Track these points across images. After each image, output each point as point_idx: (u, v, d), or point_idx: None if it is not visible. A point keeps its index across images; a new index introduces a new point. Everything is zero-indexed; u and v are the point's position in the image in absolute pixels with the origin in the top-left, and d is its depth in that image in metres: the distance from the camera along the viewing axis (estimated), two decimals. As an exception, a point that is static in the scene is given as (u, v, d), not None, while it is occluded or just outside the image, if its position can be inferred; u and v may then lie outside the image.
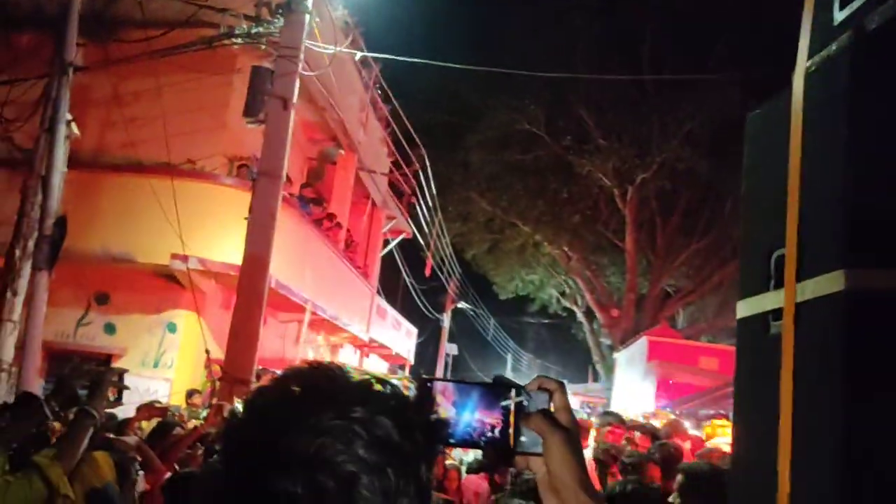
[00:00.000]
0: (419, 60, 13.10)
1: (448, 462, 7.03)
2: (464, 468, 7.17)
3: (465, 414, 0.98)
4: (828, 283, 1.73)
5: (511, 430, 0.97)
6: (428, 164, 18.22)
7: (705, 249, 23.47)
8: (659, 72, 20.53)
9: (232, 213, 9.17)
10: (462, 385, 1.00)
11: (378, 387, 0.82)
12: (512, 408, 0.97)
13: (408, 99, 21.03)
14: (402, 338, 19.86)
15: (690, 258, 23.90)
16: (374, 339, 16.21)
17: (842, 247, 1.70)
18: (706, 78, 18.85)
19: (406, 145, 17.62)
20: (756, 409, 2.01)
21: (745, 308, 2.12)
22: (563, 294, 28.34)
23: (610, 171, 22.41)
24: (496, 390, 0.99)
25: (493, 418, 0.98)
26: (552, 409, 0.99)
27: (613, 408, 17.56)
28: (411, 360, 21.17)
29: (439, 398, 0.98)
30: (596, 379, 28.07)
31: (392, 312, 18.71)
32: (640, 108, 21.87)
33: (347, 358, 16.38)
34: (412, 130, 17.69)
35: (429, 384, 0.98)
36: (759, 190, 2.18)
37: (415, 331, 21.67)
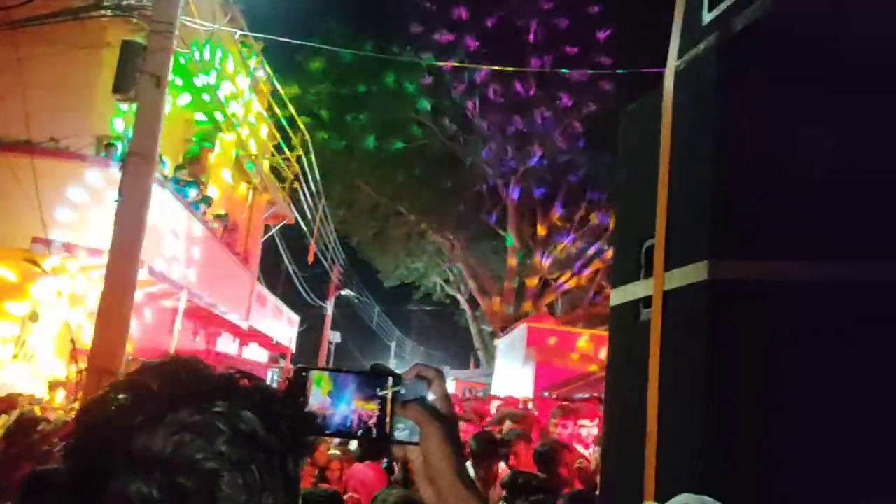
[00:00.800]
0: (302, 42, 12.84)
1: (331, 451, 6.95)
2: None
3: (341, 404, 0.96)
4: (692, 273, 1.82)
5: (387, 420, 0.96)
6: (311, 148, 17.87)
7: (582, 240, 24.34)
8: (542, 65, 21.05)
9: (100, 196, 8.65)
10: (339, 374, 0.98)
11: (243, 381, 0.78)
12: (388, 397, 0.96)
13: (291, 81, 20.58)
14: (283, 326, 19.46)
15: (569, 247, 24.72)
16: (254, 328, 15.79)
17: (706, 238, 1.79)
18: (587, 72, 19.48)
19: (288, 128, 17.22)
20: (626, 392, 2.09)
21: (618, 296, 2.20)
22: (446, 282, 28.67)
23: (494, 162, 22.81)
24: (373, 379, 0.98)
25: (369, 408, 0.96)
26: (430, 398, 0.98)
27: (494, 393, 17.92)
28: (293, 348, 20.79)
29: (315, 388, 0.95)
30: (478, 365, 28.61)
31: (273, 300, 18.29)
32: (523, 99, 22.36)
33: (226, 347, 15.88)
34: (295, 114, 17.29)
35: (304, 374, 0.96)
36: (632, 182, 2.27)
37: (297, 319, 21.28)
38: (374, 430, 0.96)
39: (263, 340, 18.68)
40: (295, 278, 21.87)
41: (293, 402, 0.84)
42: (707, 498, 1.64)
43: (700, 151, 1.88)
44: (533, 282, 25.24)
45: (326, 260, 24.42)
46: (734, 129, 1.84)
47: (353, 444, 7.43)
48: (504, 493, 3.77)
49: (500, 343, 22.03)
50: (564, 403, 11.08)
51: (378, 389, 0.97)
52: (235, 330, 15.49)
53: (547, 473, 4.45)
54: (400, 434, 0.97)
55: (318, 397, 0.95)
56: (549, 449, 4.86)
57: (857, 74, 1.81)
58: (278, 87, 16.35)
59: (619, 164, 2.34)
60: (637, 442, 1.92)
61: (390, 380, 0.97)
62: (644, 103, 2.24)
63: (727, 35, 1.87)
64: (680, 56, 2.07)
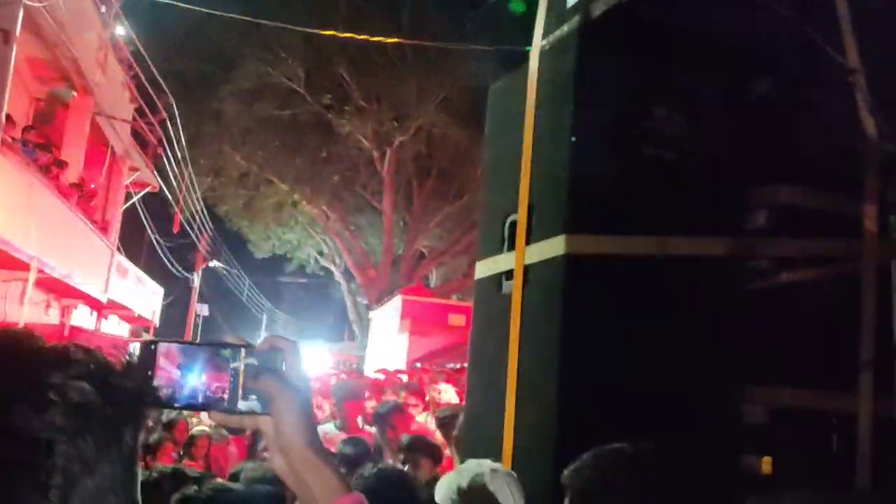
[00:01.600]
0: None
1: (198, 429, 6.75)
2: None
3: (190, 376, 0.95)
4: (551, 247, 1.91)
5: (240, 392, 0.95)
6: (177, 112, 17.06)
7: (457, 213, 24.64)
8: (418, 37, 20.99)
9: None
10: (190, 347, 0.97)
11: (77, 353, 0.77)
12: (241, 368, 0.95)
13: (154, 41, 19.44)
14: (146, 298, 18.61)
15: (444, 221, 24.98)
16: (114, 300, 15.01)
17: (564, 214, 1.89)
18: (462, 47, 19.60)
19: (152, 91, 16.33)
20: (488, 361, 2.18)
21: (482, 269, 2.28)
22: (320, 254, 28.27)
23: (369, 133, 22.60)
24: (225, 351, 0.97)
25: (222, 380, 0.96)
26: (284, 369, 0.97)
27: (369, 364, 17.97)
28: (157, 321, 19.93)
29: (164, 361, 0.94)
30: (352, 338, 28.53)
31: (135, 271, 17.44)
32: (399, 71, 22.22)
33: (83, 320, 15.01)
34: (158, 76, 16.42)
35: (152, 346, 0.95)
36: (497, 159, 2.34)
37: (161, 290, 20.41)
38: (225, 402, 0.95)
39: (125, 313, 17.81)
40: (159, 248, 20.93)
41: (132, 373, 0.82)
42: (490, 461, 1.78)
43: (559, 131, 1.97)
44: (408, 254, 25.35)
45: (193, 230, 23.49)
46: (591, 111, 1.94)
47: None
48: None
49: (375, 315, 22.07)
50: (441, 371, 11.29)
51: (230, 361, 0.96)
52: (94, 302, 14.67)
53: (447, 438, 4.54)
54: (250, 405, 0.95)
55: (167, 370, 0.94)
56: (450, 414, 4.96)
57: (697, 56, 1.94)
58: (140, 46, 15.45)
59: (486, 141, 2.41)
60: (497, 408, 2.00)
61: (243, 351, 0.96)
62: (510, 82, 2.30)
63: (588, 18, 1.96)
64: (545, 37, 2.14)
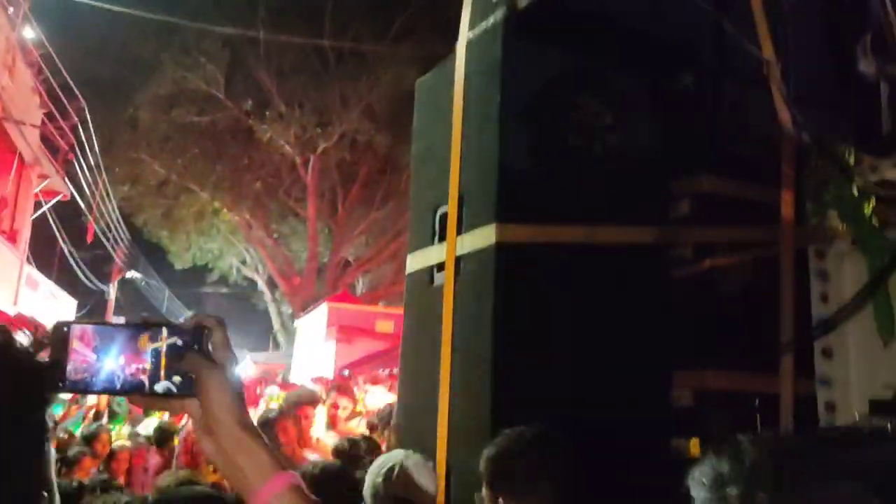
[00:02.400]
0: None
1: (118, 443, 6.49)
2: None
3: (107, 360, 0.89)
4: (482, 237, 1.91)
5: (162, 373, 0.90)
6: (89, 118, 16.42)
7: (383, 220, 24.52)
8: (340, 42, 20.83)
9: None
10: (107, 328, 0.92)
11: None
12: (162, 349, 0.91)
13: (67, 45, 18.68)
14: (58, 311, 17.81)
15: (369, 228, 24.83)
16: (23, 314, 14.30)
17: (494, 203, 1.89)
18: (382, 50, 19.56)
19: (63, 97, 15.69)
20: (420, 355, 2.16)
21: (413, 262, 2.26)
22: (243, 262, 27.65)
23: (292, 139, 22.27)
24: (145, 331, 0.91)
25: (142, 362, 0.90)
26: (211, 347, 0.93)
27: (295, 373, 17.68)
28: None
29: (79, 345, 0.88)
30: (277, 347, 28.00)
31: (46, 283, 16.67)
32: (321, 77, 22.02)
33: (-11, 336, 14.23)
34: (70, 80, 15.79)
35: (65, 328, 0.89)
36: (426, 151, 2.33)
37: (74, 303, 19.57)
38: (146, 386, 0.90)
39: (35, 328, 16.97)
40: (71, 259, 20.06)
41: (28, 357, 0.76)
42: (410, 452, 1.85)
43: (487, 121, 1.97)
44: (334, 262, 25.09)
45: (109, 240, 22.62)
46: (517, 100, 1.95)
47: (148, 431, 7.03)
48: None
49: (301, 323, 21.74)
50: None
51: (151, 342, 0.91)
52: (2, 316, 13.93)
53: None
54: (173, 387, 0.91)
55: (82, 354, 0.89)
56: (379, 418, 4.95)
57: (621, 47, 1.98)
58: (50, 49, 14.83)
59: (414, 134, 2.39)
60: (430, 401, 1.98)
61: (165, 331, 0.91)
62: (437, 74, 2.30)
63: (513, 10, 1.97)
64: (471, 28, 2.14)
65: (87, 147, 16.81)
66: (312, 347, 19.00)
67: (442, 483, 1.92)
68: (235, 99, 21.98)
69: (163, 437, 6.34)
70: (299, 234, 25.98)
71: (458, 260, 2.02)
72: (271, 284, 26.38)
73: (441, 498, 1.91)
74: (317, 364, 17.24)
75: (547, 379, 1.84)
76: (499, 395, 1.81)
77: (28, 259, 15.43)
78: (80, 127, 16.53)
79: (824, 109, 2.22)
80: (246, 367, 19.96)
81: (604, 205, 1.97)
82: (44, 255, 18.74)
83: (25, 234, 16.05)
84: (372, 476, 1.97)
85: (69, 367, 0.88)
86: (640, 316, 1.95)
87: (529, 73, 1.95)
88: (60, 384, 0.88)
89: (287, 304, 25.77)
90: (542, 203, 1.90)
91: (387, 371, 13.25)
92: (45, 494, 0.71)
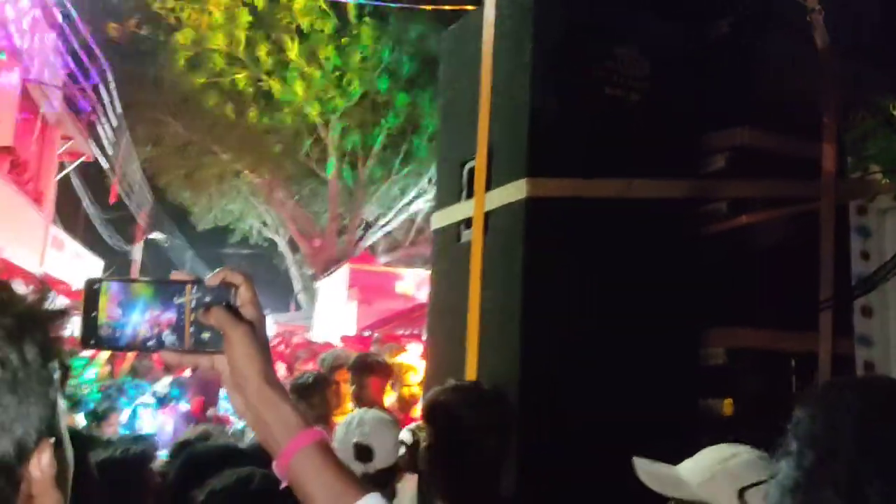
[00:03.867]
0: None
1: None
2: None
3: (133, 315, 0.89)
4: (512, 192, 1.86)
5: (188, 328, 0.89)
6: (111, 79, 16.42)
7: (403, 180, 24.44)
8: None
9: None
10: (135, 285, 0.91)
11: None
12: (188, 304, 0.89)
13: (89, 5, 18.62)
14: (84, 271, 18.04)
15: (389, 189, 24.75)
16: (50, 274, 14.50)
17: (525, 156, 1.83)
18: (405, 8, 19.31)
19: (85, 57, 15.67)
20: (449, 313, 2.13)
21: (440, 219, 2.21)
22: (264, 224, 27.74)
23: (312, 100, 22.15)
24: (173, 287, 0.91)
25: (170, 318, 0.89)
26: (238, 304, 0.92)
27: (317, 334, 17.83)
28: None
29: (107, 302, 0.88)
30: (298, 308, 28.23)
31: (72, 244, 16.86)
32: (342, 37, 21.79)
33: (18, 295, 14.46)
34: (91, 41, 15.76)
35: (95, 286, 0.89)
36: (453, 104, 2.27)
37: (101, 264, 19.80)
38: (174, 341, 0.89)
39: (62, 287, 17.22)
40: (96, 221, 20.25)
41: (52, 313, 0.74)
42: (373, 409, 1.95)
43: (518, 71, 1.91)
44: (354, 223, 25.10)
45: (132, 201, 22.79)
46: (550, 49, 1.88)
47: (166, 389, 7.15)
48: None
49: (322, 285, 21.85)
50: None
51: (176, 297, 0.90)
52: (28, 277, 14.14)
53: None
54: (201, 343, 0.90)
55: (110, 311, 0.88)
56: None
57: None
58: (70, 7, 14.78)
59: (441, 87, 2.33)
60: (459, 357, 1.96)
61: (191, 286, 0.90)
62: (464, 24, 2.23)
63: (546, -46, 1.89)
64: (501, -25, 2.07)
65: (109, 107, 16.81)
66: (333, 308, 19.12)
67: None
68: (256, 59, 21.84)
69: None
70: (320, 195, 25.97)
71: (486, 216, 1.97)
72: (292, 246, 26.48)
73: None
74: (338, 325, 17.38)
75: (577, 336, 1.80)
76: (528, 352, 1.78)
77: (54, 220, 15.59)
78: (102, 87, 16.52)
79: (868, 61, 2.12)
80: (268, 328, 20.13)
81: (638, 158, 1.91)
82: (70, 216, 18.94)
83: (51, 196, 16.19)
84: (339, 427, 2.19)
85: (101, 324, 0.87)
86: (673, 272, 1.90)
87: (563, 19, 1.88)
88: (92, 341, 0.88)
89: (308, 265, 25.88)
90: (574, 156, 1.85)
91: (407, 332, 13.33)
92: (52, 440, 0.69)
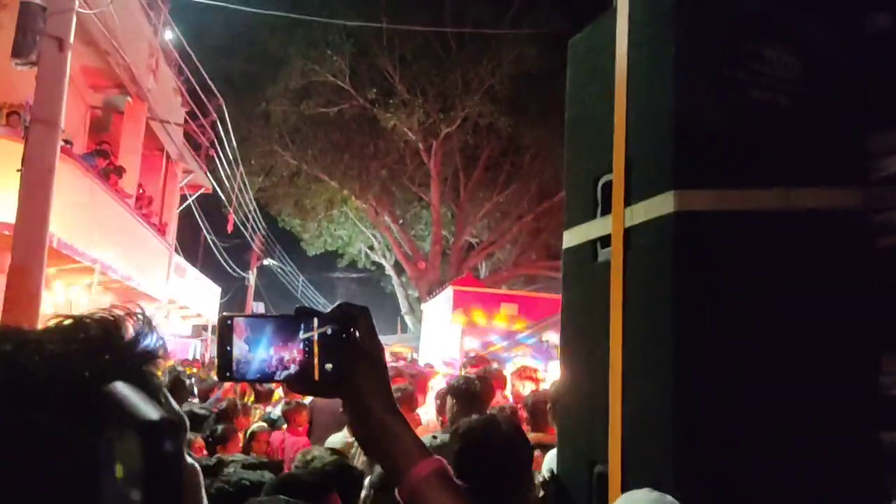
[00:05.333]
0: (211, 1, 12.27)
1: (257, 425, 6.75)
2: None
3: (258, 349, 0.93)
4: (657, 206, 1.72)
5: (315, 361, 0.93)
6: (227, 114, 17.24)
7: (505, 202, 24.43)
8: (461, 26, 20.79)
9: (2, 166, 8.08)
10: (258, 320, 0.96)
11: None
12: (315, 338, 0.93)
13: (203, 45, 19.67)
14: (204, 297, 18.87)
15: (492, 211, 24.78)
16: (174, 300, 15.24)
17: (670, 168, 1.69)
18: (505, 32, 19.36)
19: (202, 94, 16.52)
20: (585, 337, 2.00)
21: (572, 237, 2.09)
22: (371, 248, 28.36)
23: (415, 126, 22.51)
24: (296, 322, 0.95)
25: (293, 351, 0.94)
26: (356, 336, 0.95)
27: (422, 356, 17.91)
28: (215, 320, 20.20)
29: (234, 337, 0.93)
30: (404, 330, 28.58)
31: (192, 271, 17.69)
32: (443, 62, 22.10)
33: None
34: (208, 79, 16.62)
35: (228, 322, 0.95)
36: (583, 116, 2.15)
37: (218, 289, 20.69)
38: (301, 374, 0.93)
39: (184, 312, 18.09)
40: (214, 248, 21.22)
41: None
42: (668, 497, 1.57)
43: (658, 76, 1.77)
44: (457, 245, 25.24)
45: (247, 229, 23.79)
46: (696, 52, 1.74)
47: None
48: None
49: (427, 307, 22.01)
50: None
51: (301, 332, 0.94)
52: (153, 302, 14.92)
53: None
54: (327, 375, 0.93)
55: (239, 345, 0.94)
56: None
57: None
58: (189, 49, 15.62)
59: (568, 100, 2.22)
60: (599, 389, 1.83)
61: (315, 321, 0.94)
62: (593, 32, 2.11)
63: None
64: (634, -25, 1.94)
65: (224, 142, 17.64)
66: (439, 330, 19.21)
67: (617, 479, 1.75)
68: (360, 88, 22.42)
69: (289, 416, 6.57)
70: (423, 218, 26.30)
71: (627, 232, 1.83)
72: (398, 268, 26.90)
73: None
74: (443, 347, 17.42)
75: (737, 364, 1.63)
76: (684, 383, 1.62)
77: (176, 249, 16.40)
78: (218, 123, 17.36)
79: None
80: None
81: (796, 165, 1.73)
82: (190, 245, 19.92)
83: (173, 226, 17.07)
84: None
85: (234, 358, 0.93)
86: (843, 291, 1.70)
87: (706, 20, 1.73)
88: (227, 374, 0.93)
89: (413, 287, 26.18)
90: (726, 165, 1.69)
91: (514, 355, 13.18)
92: None
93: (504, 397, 6.45)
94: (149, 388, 0.69)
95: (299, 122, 22.89)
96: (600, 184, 1.98)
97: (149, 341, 0.76)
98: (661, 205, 1.69)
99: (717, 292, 1.66)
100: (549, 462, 2.71)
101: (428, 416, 6.34)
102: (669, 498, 1.59)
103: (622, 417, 1.76)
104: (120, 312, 0.78)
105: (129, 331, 0.76)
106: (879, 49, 1.93)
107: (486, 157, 24.18)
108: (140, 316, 0.78)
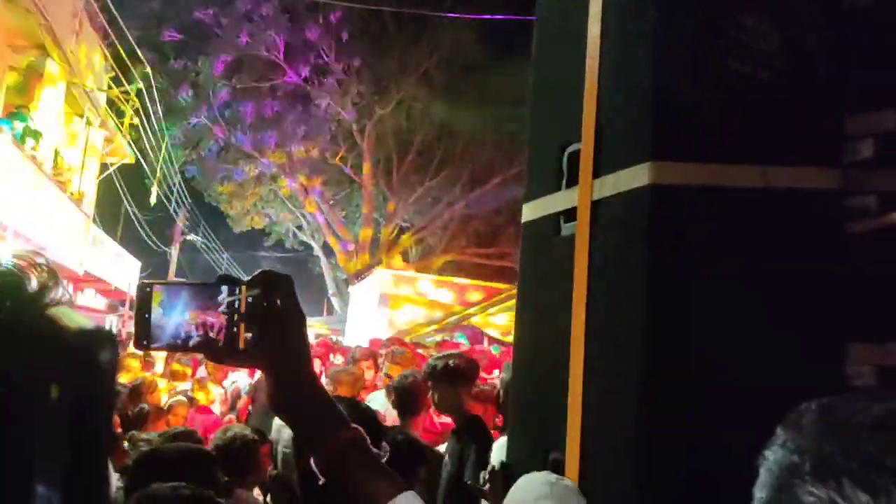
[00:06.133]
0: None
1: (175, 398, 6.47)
2: None
3: (173, 315, 0.91)
4: (630, 178, 1.60)
5: (236, 329, 0.91)
6: (154, 83, 16.56)
7: (437, 188, 24.39)
8: (399, 6, 20.54)
9: None
10: (182, 287, 0.93)
11: None
12: (237, 304, 0.91)
13: (131, 11, 18.84)
14: (122, 271, 18.13)
15: (423, 196, 24.72)
16: (90, 273, 14.56)
17: (648, 138, 1.58)
18: (442, 16, 19.23)
19: (128, 61, 15.83)
20: (543, 317, 1.88)
21: (532, 210, 1.97)
22: (299, 228, 27.89)
23: (349, 106, 22.20)
24: (216, 289, 0.92)
25: (211, 317, 0.91)
26: (278, 303, 0.93)
27: (348, 339, 17.75)
28: (133, 294, 19.45)
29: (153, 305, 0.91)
30: (331, 312, 28.28)
31: (112, 243, 16.95)
32: (380, 43, 21.83)
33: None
34: (135, 45, 15.94)
35: (147, 289, 0.93)
36: (548, 82, 2.02)
37: (138, 264, 19.92)
38: (221, 342, 0.91)
39: (101, 286, 17.36)
40: (136, 221, 20.42)
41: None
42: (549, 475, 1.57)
43: (637, 40, 1.66)
44: (388, 229, 25.09)
45: (171, 203, 22.98)
46: (671, 17, 1.63)
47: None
48: None
49: (355, 289, 21.83)
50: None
51: (220, 298, 0.92)
52: (69, 274, 14.23)
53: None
54: (245, 343, 0.91)
55: (157, 312, 0.92)
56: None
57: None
58: (116, 14, 14.91)
59: (533, 65, 2.09)
60: (557, 364, 1.71)
61: (238, 288, 0.92)
62: (564, -6, 1.99)
63: None
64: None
65: (150, 111, 16.95)
66: (366, 313, 19.15)
67: (575, 467, 1.65)
68: (294, 65, 21.94)
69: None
70: (355, 200, 26.01)
71: (594, 205, 1.72)
72: (327, 250, 26.54)
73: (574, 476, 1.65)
74: (370, 330, 17.33)
75: (710, 346, 1.54)
76: (654, 367, 1.52)
77: (95, 220, 15.70)
78: (143, 91, 16.67)
79: None
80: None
81: (773, 143, 1.65)
82: (110, 216, 19.11)
83: (92, 196, 16.32)
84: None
85: (153, 324, 0.90)
86: (814, 276, 1.63)
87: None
88: (145, 342, 0.91)
89: (342, 269, 25.88)
90: (706, 138, 1.59)
91: (439, 339, 13.21)
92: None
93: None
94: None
95: (230, 95, 22.26)
96: (566, 154, 1.86)
97: (55, 293, 0.73)
98: (635, 177, 1.58)
99: (691, 271, 1.56)
100: (498, 450, 2.59)
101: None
102: (567, 481, 1.57)
103: (583, 402, 1.65)
104: (22, 263, 0.74)
105: (34, 282, 0.73)
106: (860, 25, 1.86)
107: (420, 141, 24.06)
108: (44, 267, 0.74)
